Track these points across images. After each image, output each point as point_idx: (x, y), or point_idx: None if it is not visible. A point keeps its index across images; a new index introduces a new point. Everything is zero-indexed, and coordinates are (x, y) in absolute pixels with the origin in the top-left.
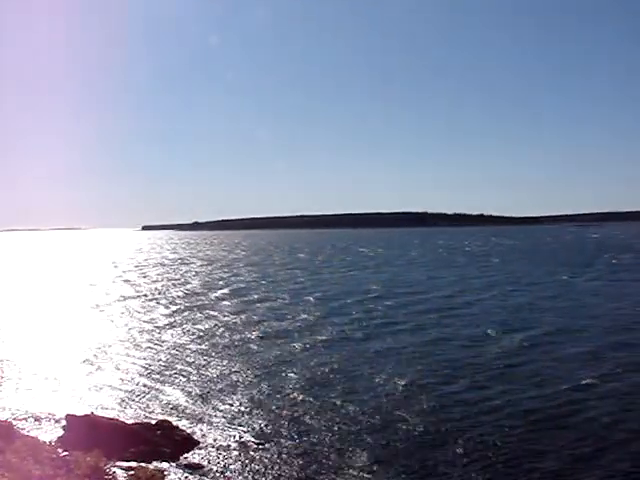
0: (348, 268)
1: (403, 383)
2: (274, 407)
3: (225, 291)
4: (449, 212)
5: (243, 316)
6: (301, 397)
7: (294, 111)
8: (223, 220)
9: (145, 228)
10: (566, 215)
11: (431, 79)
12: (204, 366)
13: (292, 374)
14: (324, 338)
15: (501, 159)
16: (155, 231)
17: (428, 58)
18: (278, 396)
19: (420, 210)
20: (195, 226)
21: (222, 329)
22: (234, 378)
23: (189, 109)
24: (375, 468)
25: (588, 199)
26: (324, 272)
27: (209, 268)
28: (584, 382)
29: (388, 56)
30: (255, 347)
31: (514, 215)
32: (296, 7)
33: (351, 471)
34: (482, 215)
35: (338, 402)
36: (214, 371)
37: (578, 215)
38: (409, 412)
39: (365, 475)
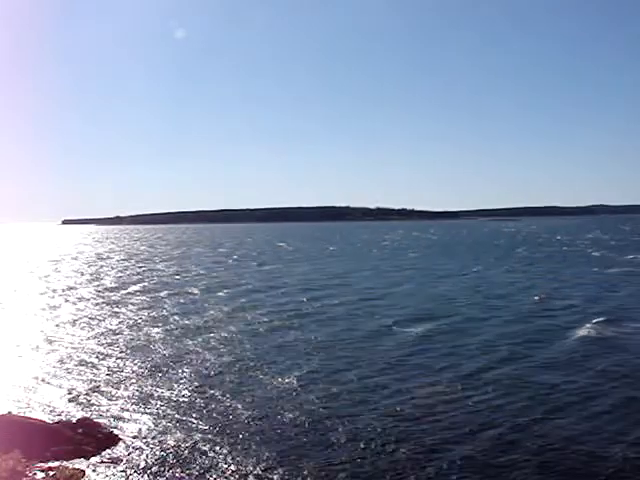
0: (265, 262)
1: (296, 375)
2: (186, 400)
3: (138, 287)
4: (372, 207)
5: (153, 312)
6: (199, 391)
7: (219, 103)
8: (146, 214)
9: (66, 222)
10: (484, 210)
11: (350, 75)
12: (117, 362)
13: (190, 369)
14: (228, 333)
15: (423, 155)
16: (76, 225)
17: (355, 54)
18: (185, 390)
19: (343, 205)
20: (117, 220)
21: (131, 325)
22: (147, 373)
23: (110, 102)
24: (263, 458)
25: (506, 195)
26: (240, 267)
27: (125, 263)
28: (467, 372)
29: (313, 45)
30: (160, 343)
31: (435, 210)
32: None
33: (246, 468)
34: (404, 210)
35: (228, 396)
36: (128, 368)
37: (496, 210)
38: (295, 404)
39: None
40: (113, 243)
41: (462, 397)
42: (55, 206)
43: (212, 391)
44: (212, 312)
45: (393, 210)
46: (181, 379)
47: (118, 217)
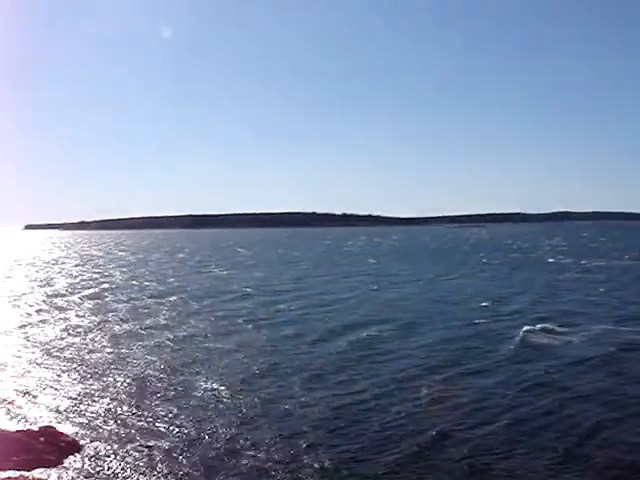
0: (222, 268)
1: (231, 380)
2: (150, 406)
3: (86, 292)
4: (338, 213)
5: (101, 317)
6: (150, 396)
7: (190, 106)
8: (112, 219)
9: (28, 227)
10: (450, 216)
11: (317, 79)
12: (72, 369)
13: (133, 373)
14: (172, 337)
15: (390, 161)
16: (39, 230)
17: (317, 56)
18: (141, 395)
19: (309, 211)
20: (82, 225)
21: (80, 331)
22: (100, 379)
23: (77, 103)
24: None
25: (471, 201)
26: (195, 272)
27: (81, 268)
28: (400, 375)
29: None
30: (107, 348)
31: (401, 216)
32: None
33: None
34: (370, 216)
35: (159, 401)
36: (85, 374)
37: (461, 216)
38: (227, 408)
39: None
40: (72, 248)
41: (384, 404)
42: (18, 210)
43: (163, 394)
44: (162, 316)
45: (359, 216)
46: (131, 384)
47: (83, 222)
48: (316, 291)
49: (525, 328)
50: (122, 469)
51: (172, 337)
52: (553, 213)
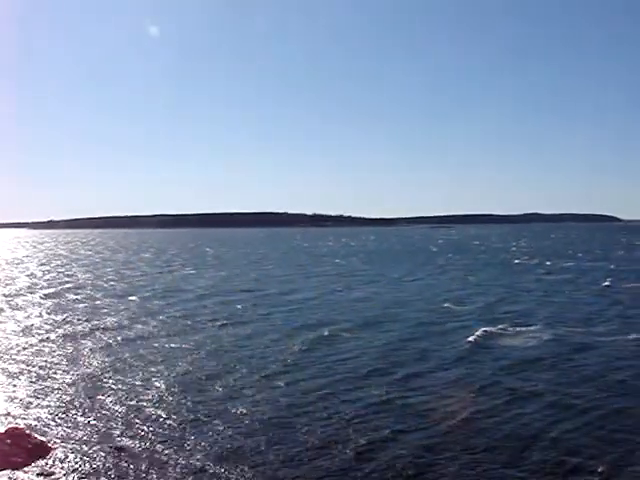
0: (188, 267)
1: (187, 379)
2: (109, 406)
3: (47, 291)
4: (309, 213)
5: (60, 316)
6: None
7: (156, 106)
8: (81, 218)
9: None
10: (421, 217)
11: (292, 78)
12: (38, 369)
13: (80, 372)
14: (131, 336)
15: (360, 161)
16: (6, 229)
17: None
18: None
19: (280, 211)
20: (49, 224)
21: (36, 331)
22: (73, 381)
23: (42, 103)
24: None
25: (443, 202)
26: (162, 271)
27: (44, 267)
28: (352, 375)
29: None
30: (66, 348)
31: (371, 217)
32: None
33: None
34: (341, 216)
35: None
36: (52, 374)
37: (432, 217)
38: (170, 404)
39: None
40: (37, 247)
41: (334, 404)
42: None
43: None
44: (119, 316)
45: (330, 216)
46: (92, 384)
47: (52, 221)
48: (279, 290)
49: (481, 328)
50: (92, 473)
51: (131, 336)
52: (523, 215)
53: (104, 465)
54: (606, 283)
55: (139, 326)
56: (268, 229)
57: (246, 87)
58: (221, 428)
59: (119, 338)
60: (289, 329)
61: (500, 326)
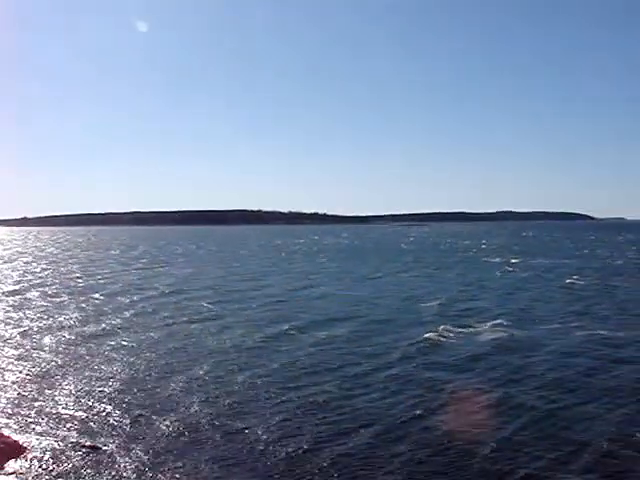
0: (154, 264)
1: (135, 378)
2: (88, 407)
3: (4, 289)
4: (285, 210)
5: (17, 314)
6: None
7: (120, 104)
8: (55, 215)
9: None
10: (396, 215)
11: (260, 82)
12: (9, 368)
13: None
14: (88, 333)
15: (336, 159)
16: None
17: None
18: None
19: (256, 208)
20: (23, 221)
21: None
22: (43, 380)
23: (21, 99)
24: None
25: (418, 200)
26: (126, 269)
27: (5, 265)
28: (296, 373)
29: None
30: (22, 346)
31: (347, 214)
32: None
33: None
34: (316, 214)
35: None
36: (25, 374)
37: (407, 215)
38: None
39: None
40: (2, 244)
41: (273, 403)
42: None
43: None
44: (76, 313)
45: (305, 214)
46: (52, 381)
47: (25, 218)
48: (244, 288)
49: (440, 326)
50: (67, 472)
51: (93, 333)
52: (498, 212)
53: (78, 464)
54: (570, 280)
55: (102, 323)
56: (243, 227)
57: (231, 83)
58: (168, 424)
59: (82, 335)
60: (249, 326)
61: (459, 323)
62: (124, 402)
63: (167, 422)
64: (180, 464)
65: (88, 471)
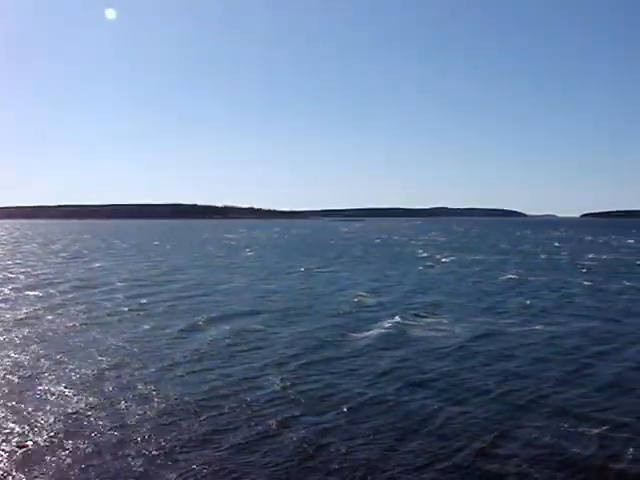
0: (96, 259)
1: (79, 377)
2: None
3: None
4: (219, 205)
5: None
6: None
7: (89, 97)
8: None
9: None
10: (331, 210)
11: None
12: None
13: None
14: (24, 333)
15: (273, 154)
16: None
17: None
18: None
19: (190, 202)
20: None
21: None
22: None
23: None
24: None
25: (354, 196)
26: (67, 263)
27: None
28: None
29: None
30: None
31: (282, 209)
32: None
33: None
34: (251, 208)
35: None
36: None
37: (343, 210)
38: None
39: None
40: None
41: (227, 398)
42: None
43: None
44: (15, 311)
45: (240, 209)
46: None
47: None
48: (183, 285)
49: (386, 321)
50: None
51: (28, 332)
52: (433, 208)
53: (8, 464)
54: (510, 275)
55: (38, 321)
56: (177, 221)
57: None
58: (110, 421)
59: (19, 334)
60: (190, 323)
61: (402, 317)
62: (52, 401)
63: (95, 421)
64: (99, 462)
65: (18, 471)
